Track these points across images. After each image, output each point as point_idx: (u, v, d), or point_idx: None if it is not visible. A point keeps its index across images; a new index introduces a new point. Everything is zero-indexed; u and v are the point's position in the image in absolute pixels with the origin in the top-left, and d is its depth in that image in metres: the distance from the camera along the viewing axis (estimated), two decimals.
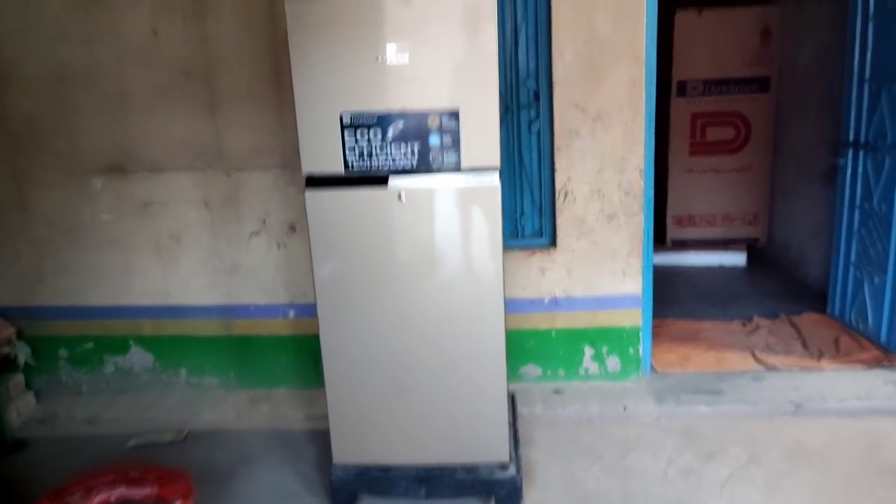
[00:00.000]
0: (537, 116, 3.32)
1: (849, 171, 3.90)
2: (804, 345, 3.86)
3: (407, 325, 2.44)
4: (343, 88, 2.22)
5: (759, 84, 5.51)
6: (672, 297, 4.81)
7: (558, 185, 3.31)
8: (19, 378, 3.43)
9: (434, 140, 2.25)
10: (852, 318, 3.98)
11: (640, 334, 3.47)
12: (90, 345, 3.59)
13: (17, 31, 3.23)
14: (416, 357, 2.48)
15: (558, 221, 3.35)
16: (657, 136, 3.28)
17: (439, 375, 2.49)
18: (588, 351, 3.50)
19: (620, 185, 3.29)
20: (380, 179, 2.31)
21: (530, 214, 3.46)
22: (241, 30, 3.18)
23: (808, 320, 4.20)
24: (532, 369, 3.54)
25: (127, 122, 3.28)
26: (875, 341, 3.74)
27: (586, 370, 3.53)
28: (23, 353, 3.33)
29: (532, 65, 3.27)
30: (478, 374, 2.47)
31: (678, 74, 5.56)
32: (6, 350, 3.29)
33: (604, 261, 3.38)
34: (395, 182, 2.30)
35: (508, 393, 2.56)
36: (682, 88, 5.59)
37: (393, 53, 2.18)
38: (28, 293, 3.53)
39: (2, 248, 3.49)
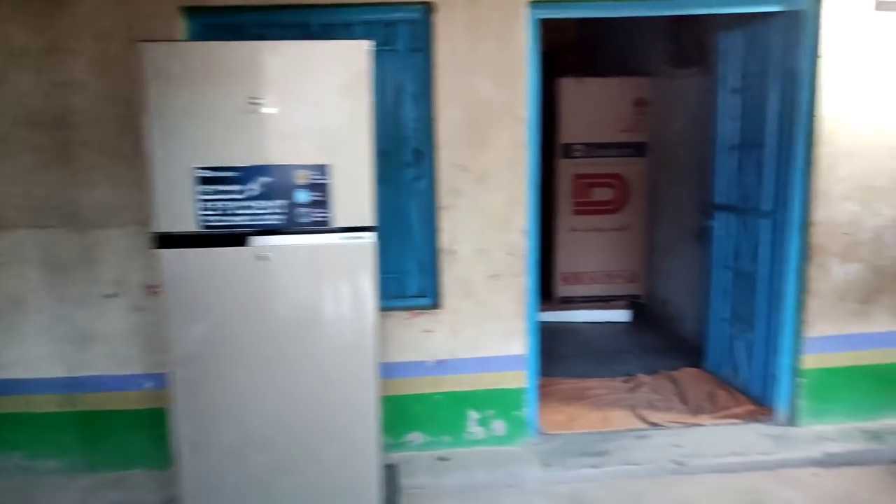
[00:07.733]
0: (420, 176, 3.25)
1: (718, 232, 4.10)
2: (683, 400, 3.92)
3: (272, 393, 2.23)
4: (202, 140, 2.05)
5: (636, 149, 5.78)
6: (561, 355, 4.81)
7: (442, 245, 3.23)
8: None
9: (302, 197, 2.10)
10: (727, 372, 4.11)
11: (526, 396, 3.39)
12: None
13: None
14: (281, 427, 2.26)
15: (442, 281, 3.26)
16: (546, 196, 3.27)
17: (306, 447, 2.28)
18: (473, 415, 3.37)
19: (504, 245, 3.25)
20: (241, 238, 2.12)
21: (414, 274, 3.35)
22: (101, 77, 2.92)
23: (687, 375, 4.29)
24: (416, 436, 3.36)
25: None
26: (749, 395, 3.85)
27: (472, 435, 3.39)
28: None
29: (415, 124, 3.22)
30: (347, 447, 2.28)
31: (564, 137, 5.75)
32: None
33: (489, 321, 3.30)
34: (259, 241, 2.12)
35: (390, 464, 2.38)
36: (568, 151, 5.77)
37: (259, 105, 2.03)
38: None
39: None
